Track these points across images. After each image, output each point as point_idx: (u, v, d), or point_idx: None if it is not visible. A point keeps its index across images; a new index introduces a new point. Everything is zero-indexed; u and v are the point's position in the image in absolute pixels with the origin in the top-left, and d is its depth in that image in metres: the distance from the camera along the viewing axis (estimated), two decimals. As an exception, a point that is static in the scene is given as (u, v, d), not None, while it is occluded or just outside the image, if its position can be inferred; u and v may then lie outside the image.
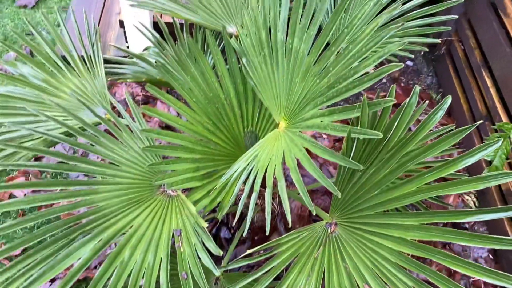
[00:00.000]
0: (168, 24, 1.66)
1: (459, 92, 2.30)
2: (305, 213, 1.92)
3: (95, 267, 1.90)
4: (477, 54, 2.16)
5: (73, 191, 1.09)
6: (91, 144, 1.18)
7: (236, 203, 1.24)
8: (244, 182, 1.12)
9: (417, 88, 1.05)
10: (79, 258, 1.02)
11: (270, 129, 1.41)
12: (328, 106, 1.08)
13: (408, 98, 1.05)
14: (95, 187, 1.11)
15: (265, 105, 1.26)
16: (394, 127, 1.05)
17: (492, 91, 1.99)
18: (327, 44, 1.10)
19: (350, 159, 0.96)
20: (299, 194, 1.01)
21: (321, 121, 1.06)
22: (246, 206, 1.47)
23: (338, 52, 1.04)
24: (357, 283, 1.01)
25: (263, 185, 1.07)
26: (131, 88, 2.53)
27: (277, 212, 1.52)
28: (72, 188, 1.09)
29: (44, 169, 2.09)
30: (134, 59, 1.66)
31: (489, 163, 1.57)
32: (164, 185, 1.20)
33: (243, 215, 1.67)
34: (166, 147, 1.19)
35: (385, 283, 0.98)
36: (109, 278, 1.02)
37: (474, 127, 0.97)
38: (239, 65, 1.31)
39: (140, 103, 2.47)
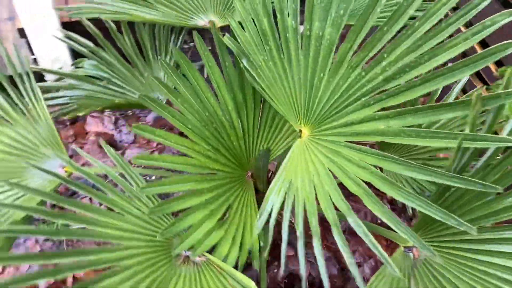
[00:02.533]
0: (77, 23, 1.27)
1: None
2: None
3: None
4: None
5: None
6: (64, 226, 0.82)
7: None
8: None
9: None
10: None
11: (282, 140, 1.12)
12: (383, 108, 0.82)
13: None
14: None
15: (280, 112, 0.97)
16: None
17: None
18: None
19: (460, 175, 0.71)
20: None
21: (387, 127, 0.80)
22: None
23: (399, 31, 0.77)
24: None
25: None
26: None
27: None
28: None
29: None
30: (71, 81, 1.26)
31: None
32: (184, 251, 0.89)
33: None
34: (175, 199, 0.87)
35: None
36: None
37: None
38: (236, 69, 0.99)
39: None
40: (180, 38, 1.29)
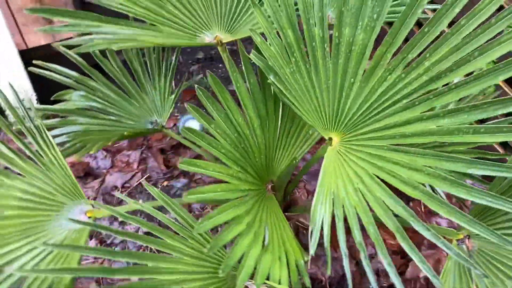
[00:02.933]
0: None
1: None
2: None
3: None
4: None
5: None
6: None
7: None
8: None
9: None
10: None
11: (301, 146, 1.10)
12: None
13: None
14: None
15: (308, 122, 0.95)
16: None
17: None
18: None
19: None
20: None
21: (438, 126, 0.80)
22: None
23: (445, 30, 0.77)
24: None
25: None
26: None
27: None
28: None
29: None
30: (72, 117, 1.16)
31: None
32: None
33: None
34: (224, 230, 0.82)
35: None
36: None
37: None
38: (260, 86, 0.96)
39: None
40: (174, 57, 1.23)
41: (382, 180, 0.86)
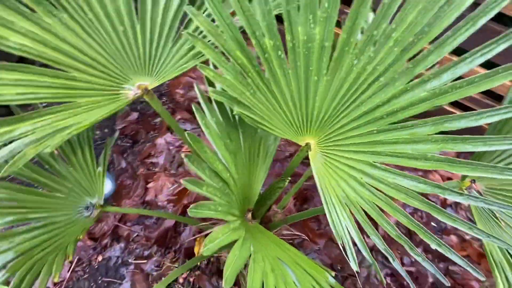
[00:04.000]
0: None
1: None
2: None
3: None
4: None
5: None
6: None
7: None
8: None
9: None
10: None
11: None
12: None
13: None
14: None
15: (279, 135, 0.86)
16: None
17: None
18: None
19: None
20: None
21: (431, 89, 0.77)
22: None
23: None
24: None
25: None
26: None
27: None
28: None
29: None
30: None
31: None
32: None
33: None
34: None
35: None
36: None
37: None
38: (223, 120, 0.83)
39: None
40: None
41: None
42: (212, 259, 1.50)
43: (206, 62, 0.80)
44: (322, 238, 1.56)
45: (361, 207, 0.79)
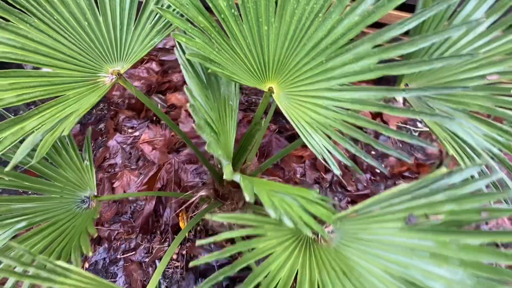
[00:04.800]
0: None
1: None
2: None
3: None
4: None
5: None
6: None
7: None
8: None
9: None
10: None
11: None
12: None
13: None
14: None
15: (243, 82, 1.00)
16: None
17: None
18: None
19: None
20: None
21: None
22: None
23: None
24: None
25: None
26: None
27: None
28: None
29: None
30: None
31: None
32: None
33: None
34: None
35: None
36: None
37: None
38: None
39: None
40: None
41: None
42: (198, 228, 1.62)
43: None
44: (289, 183, 1.73)
45: (330, 125, 0.95)
